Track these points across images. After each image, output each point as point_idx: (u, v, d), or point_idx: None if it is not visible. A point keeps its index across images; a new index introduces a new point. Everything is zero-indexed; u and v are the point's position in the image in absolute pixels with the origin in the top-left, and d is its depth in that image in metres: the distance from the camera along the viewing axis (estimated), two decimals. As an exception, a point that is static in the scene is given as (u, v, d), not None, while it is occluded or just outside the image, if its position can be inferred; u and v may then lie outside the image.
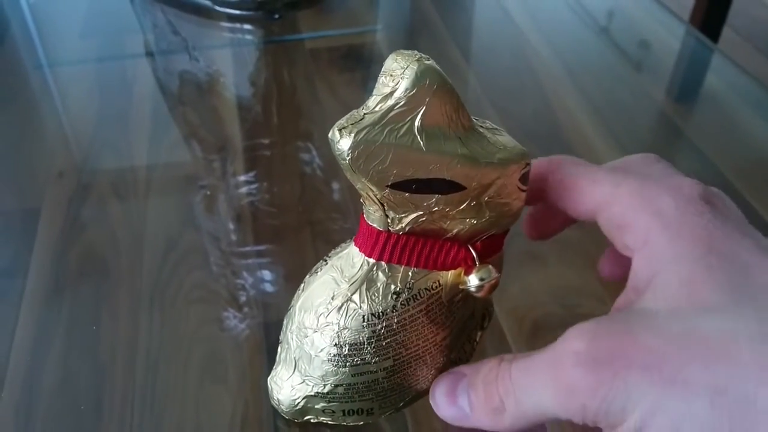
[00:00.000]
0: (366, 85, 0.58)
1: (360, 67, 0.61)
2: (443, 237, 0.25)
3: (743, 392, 0.19)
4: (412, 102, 0.22)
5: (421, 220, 0.24)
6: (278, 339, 0.29)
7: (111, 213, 0.45)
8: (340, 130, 0.23)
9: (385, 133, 0.22)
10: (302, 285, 0.28)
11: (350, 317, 0.26)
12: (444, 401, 0.26)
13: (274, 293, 0.40)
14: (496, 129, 0.25)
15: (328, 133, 0.23)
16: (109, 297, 0.39)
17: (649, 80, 0.61)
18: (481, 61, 0.63)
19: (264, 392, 0.31)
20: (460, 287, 0.26)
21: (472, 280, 0.25)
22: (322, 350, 0.26)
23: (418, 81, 0.22)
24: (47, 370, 0.36)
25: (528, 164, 0.25)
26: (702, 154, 0.51)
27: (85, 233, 0.44)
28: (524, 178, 0.25)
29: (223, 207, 0.46)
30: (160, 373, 0.35)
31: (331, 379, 0.27)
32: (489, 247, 0.26)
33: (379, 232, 0.25)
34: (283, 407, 0.29)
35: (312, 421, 0.29)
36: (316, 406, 0.28)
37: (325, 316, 0.26)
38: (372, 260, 0.25)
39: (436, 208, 0.24)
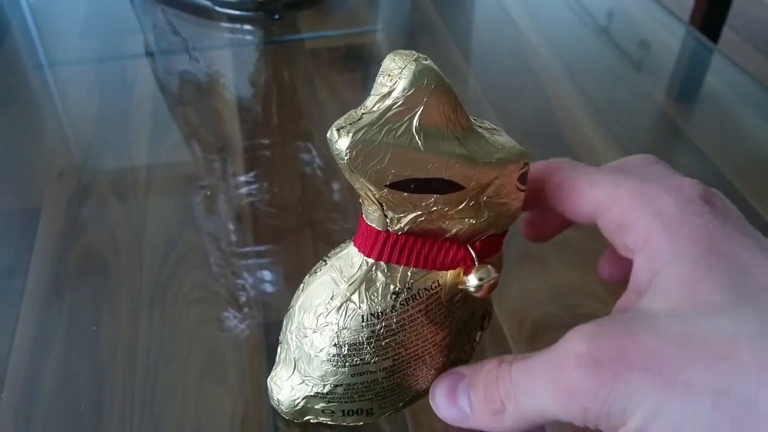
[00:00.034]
0: (366, 85, 0.58)
1: (360, 67, 0.61)
2: (442, 237, 0.25)
3: (745, 393, 0.19)
4: (409, 102, 0.22)
5: (419, 220, 0.24)
6: (278, 339, 0.29)
7: (111, 213, 0.45)
8: (338, 129, 0.23)
9: (383, 132, 0.22)
10: (302, 285, 0.28)
11: (349, 317, 0.26)
12: (444, 402, 0.26)
13: (274, 293, 0.40)
14: (495, 129, 0.25)
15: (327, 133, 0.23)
16: (109, 297, 0.39)
17: (649, 80, 0.61)
18: (481, 61, 0.63)
19: (264, 392, 0.31)
20: (460, 287, 0.26)
21: (471, 280, 0.25)
22: (321, 350, 0.26)
23: (415, 81, 0.22)
24: (47, 370, 0.36)
25: (526, 164, 0.25)
26: (702, 154, 0.51)
27: (85, 233, 0.44)
28: (523, 178, 0.25)
29: (223, 207, 0.46)
30: (160, 373, 0.35)
31: (331, 380, 0.27)
32: (488, 247, 0.26)
33: (378, 232, 0.25)
34: (282, 407, 0.29)
35: (312, 421, 0.29)
36: (315, 407, 0.28)
37: (325, 317, 0.26)
38: (371, 260, 0.25)
39: (434, 208, 0.24)
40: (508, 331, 0.38)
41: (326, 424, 0.29)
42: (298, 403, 0.28)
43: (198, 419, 0.34)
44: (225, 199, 0.46)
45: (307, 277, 0.28)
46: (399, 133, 0.23)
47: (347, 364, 0.26)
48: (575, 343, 0.21)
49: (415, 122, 0.23)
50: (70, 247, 0.43)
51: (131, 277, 0.40)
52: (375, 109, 0.23)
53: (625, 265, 0.25)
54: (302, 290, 0.28)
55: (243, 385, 0.35)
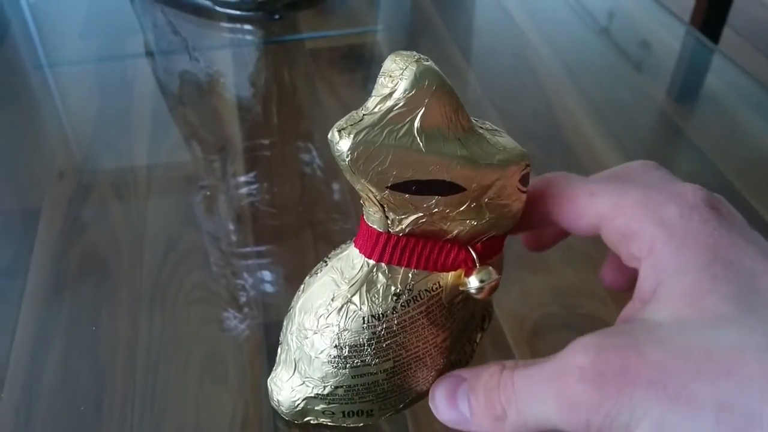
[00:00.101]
0: (366, 86, 0.58)
1: (360, 67, 0.61)
2: (443, 238, 0.25)
3: (749, 408, 0.19)
4: (411, 103, 0.22)
5: (421, 221, 0.24)
6: (278, 340, 0.29)
7: (111, 213, 0.45)
8: (339, 131, 0.23)
9: (384, 134, 0.22)
10: (302, 286, 0.28)
11: (350, 319, 0.26)
12: (444, 404, 0.26)
13: (275, 294, 0.40)
14: (496, 130, 0.25)
15: (328, 134, 0.23)
16: (109, 297, 0.39)
17: (650, 80, 0.61)
18: (482, 61, 0.63)
19: (264, 393, 0.31)
20: (461, 289, 0.26)
21: (473, 282, 0.25)
22: (322, 352, 0.26)
23: (417, 82, 0.22)
24: (47, 370, 0.36)
25: (528, 165, 0.25)
26: (702, 155, 0.51)
27: (86, 233, 0.44)
28: (524, 180, 0.25)
29: (224, 207, 0.46)
30: (160, 374, 0.35)
31: (331, 381, 0.27)
32: (489, 249, 0.26)
33: (379, 233, 0.25)
34: (283, 408, 0.29)
35: (312, 422, 0.29)
36: (316, 408, 0.28)
37: (325, 318, 0.26)
38: (372, 262, 0.25)
39: (436, 210, 0.24)
40: (508, 332, 0.38)
41: (326, 425, 0.29)
42: (299, 404, 0.28)
43: (198, 419, 0.34)
44: (225, 199, 0.46)
45: (307, 278, 0.28)
46: (400, 134, 0.23)
47: (348, 365, 0.26)
48: (579, 355, 0.21)
49: (416, 124, 0.23)
50: (70, 247, 0.43)
51: (131, 277, 0.40)
52: (376, 110, 0.23)
53: (627, 273, 0.24)
54: (303, 291, 0.28)
55: (243, 385, 0.35)
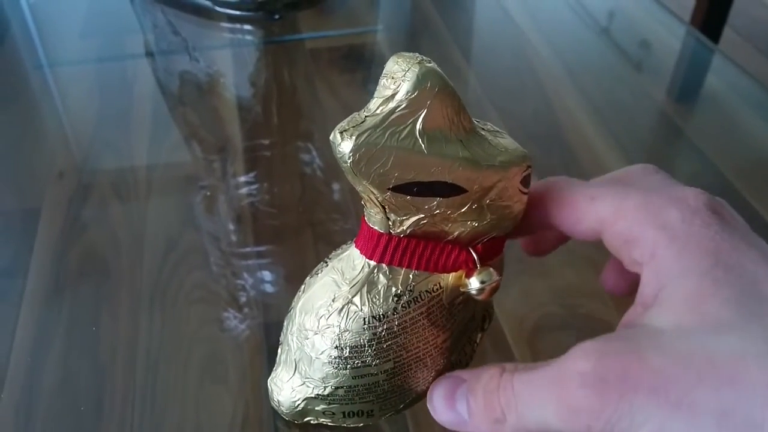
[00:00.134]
0: (366, 86, 0.58)
1: (360, 67, 0.61)
2: (444, 239, 0.25)
3: (751, 415, 0.18)
4: (413, 105, 0.22)
5: (422, 222, 0.24)
6: (278, 340, 0.29)
7: (111, 213, 0.45)
8: (341, 132, 0.22)
9: (386, 135, 0.22)
10: (303, 287, 0.28)
11: (351, 319, 0.26)
12: (442, 405, 0.25)
13: (275, 294, 0.40)
14: (498, 131, 0.25)
15: (328, 134, 0.23)
16: (109, 297, 0.39)
17: (650, 80, 0.61)
18: (482, 61, 0.63)
19: (264, 393, 0.31)
20: (461, 290, 0.26)
21: (473, 283, 0.25)
22: (322, 352, 0.26)
23: (419, 84, 0.22)
24: (47, 370, 0.35)
25: (529, 167, 0.25)
26: (702, 155, 0.51)
27: (86, 233, 0.44)
28: (525, 181, 0.25)
29: (224, 207, 0.46)
30: (160, 373, 0.35)
31: (332, 381, 0.27)
32: (490, 250, 0.26)
33: (380, 234, 0.25)
34: (283, 408, 0.29)
35: (312, 422, 0.29)
36: (316, 408, 0.28)
37: (326, 318, 0.26)
38: (373, 262, 0.25)
39: (437, 211, 0.24)
40: (508, 332, 0.38)
41: (327, 425, 0.29)
42: (299, 404, 0.28)
43: (198, 419, 0.34)
44: (225, 199, 0.46)
45: (308, 278, 0.28)
46: (402, 136, 0.23)
47: (348, 366, 0.26)
48: (580, 360, 0.21)
49: (418, 125, 0.23)
50: (70, 247, 0.43)
51: (131, 277, 0.40)
52: (378, 111, 0.23)
53: (629, 278, 0.24)
54: (303, 292, 0.28)
55: (243, 385, 0.35)
